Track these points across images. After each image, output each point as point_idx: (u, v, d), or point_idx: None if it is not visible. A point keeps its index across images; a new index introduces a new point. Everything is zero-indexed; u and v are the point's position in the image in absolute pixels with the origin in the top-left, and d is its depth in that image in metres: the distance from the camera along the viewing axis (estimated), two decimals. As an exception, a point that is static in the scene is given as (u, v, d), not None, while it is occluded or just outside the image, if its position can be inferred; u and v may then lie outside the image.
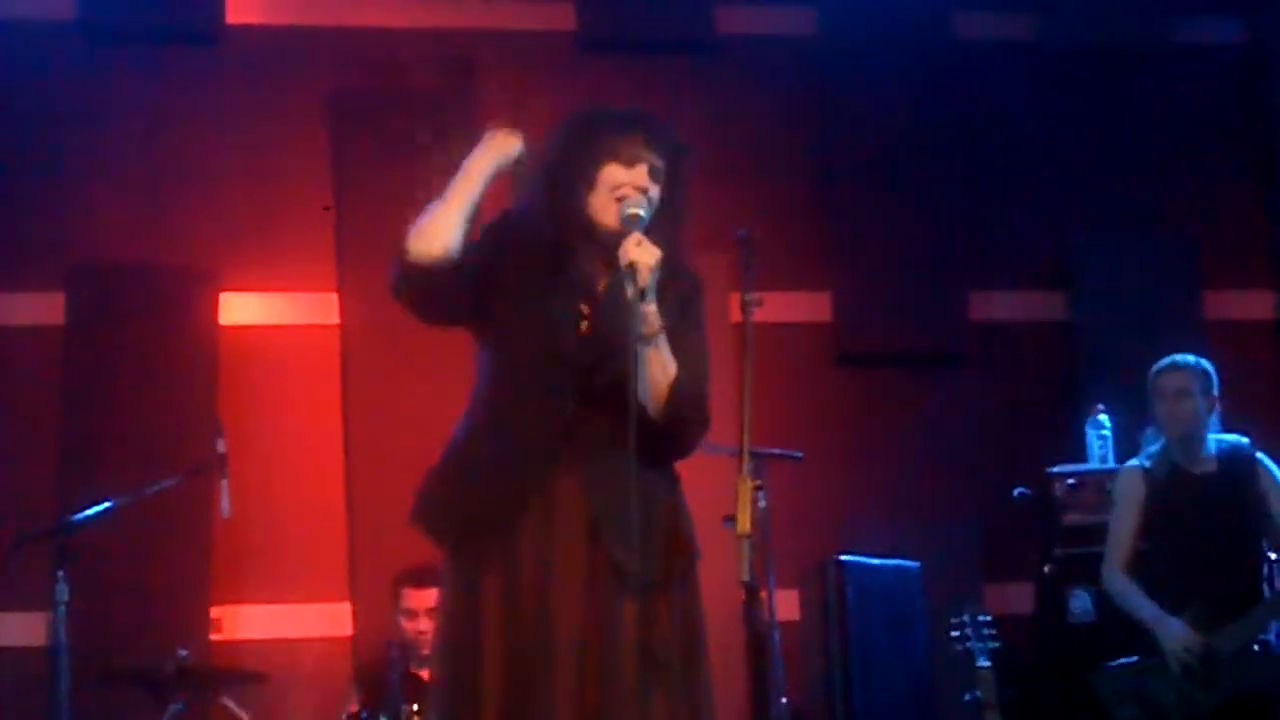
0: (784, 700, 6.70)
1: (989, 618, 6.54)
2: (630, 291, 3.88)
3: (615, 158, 4.04)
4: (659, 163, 4.07)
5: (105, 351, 7.79)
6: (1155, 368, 6.78)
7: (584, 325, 4.03)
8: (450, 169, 4.13)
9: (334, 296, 8.08)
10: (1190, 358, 6.74)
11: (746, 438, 4.65)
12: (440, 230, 3.98)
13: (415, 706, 6.37)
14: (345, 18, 8.33)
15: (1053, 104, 8.78)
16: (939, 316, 8.53)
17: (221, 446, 6.91)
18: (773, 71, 8.58)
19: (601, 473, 3.91)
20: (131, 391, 7.74)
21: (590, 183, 4.04)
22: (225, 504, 6.81)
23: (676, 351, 3.99)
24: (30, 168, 7.94)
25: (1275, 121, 8.94)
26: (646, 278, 3.87)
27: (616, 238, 3.97)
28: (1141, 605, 6.58)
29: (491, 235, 4.10)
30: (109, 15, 8.07)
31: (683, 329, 4.04)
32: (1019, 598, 7.95)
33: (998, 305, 8.67)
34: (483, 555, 3.94)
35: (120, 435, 7.65)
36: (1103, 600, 6.97)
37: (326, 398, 7.97)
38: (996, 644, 6.50)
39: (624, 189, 4.03)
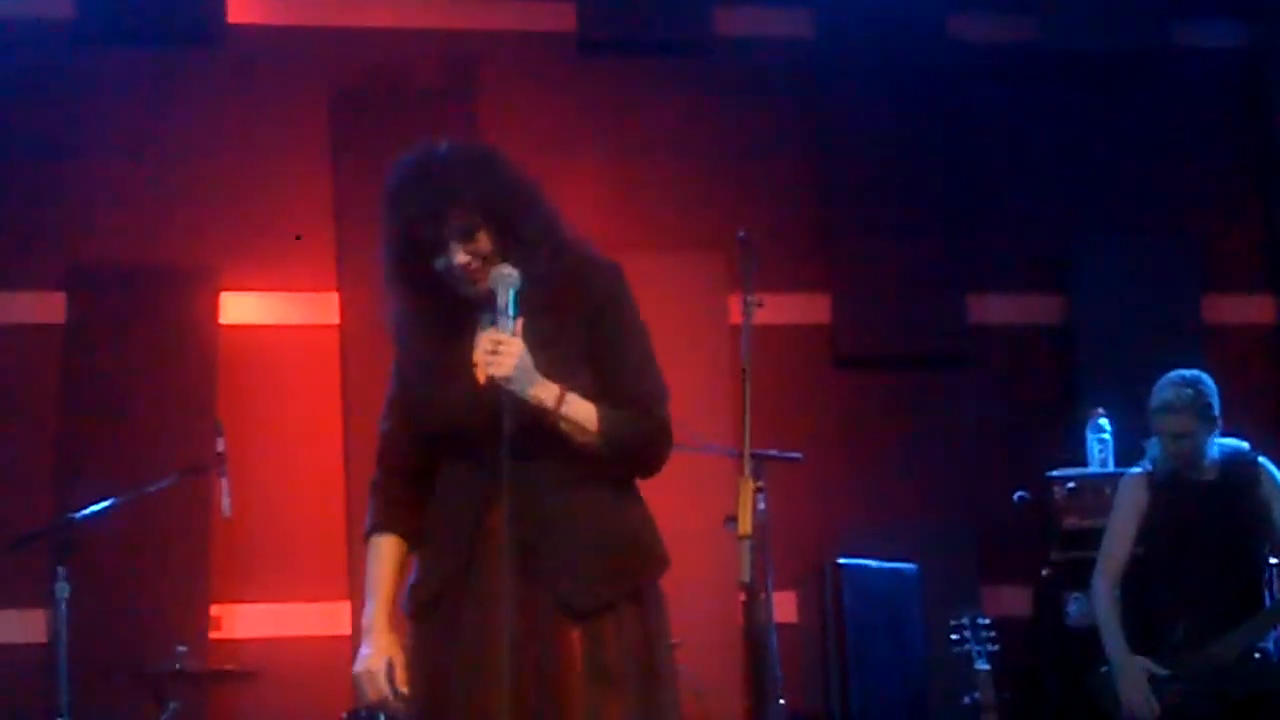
0: (781, 701, 6.68)
1: (988, 620, 6.55)
2: (512, 400, 3.70)
3: (427, 254, 3.77)
4: (465, 215, 3.74)
5: (105, 351, 7.79)
6: (1154, 401, 6.55)
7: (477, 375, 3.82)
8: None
9: (334, 296, 8.08)
10: (1188, 390, 6.48)
11: (748, 440, 4.67)
12: None
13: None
14: (347, 18, 8.33)
15: (1051, 106, 8.77)
16: (938, 319, 8.53)
17: (221, 445, 6.93)
18: (771, 73, 8.59)
19: (526, 504, 3.73)
20: (131, 390, 7.75)
21: (429, 273, 3.79)
22: (225, 503, 6.83)
23: (611, 369, 3.81)
24: (31, 167, 7.94)
25: (1276, 124, 8.93)
26: (516, 385, 3.69)
27: (488, 293, 3.76)
28: (1112, 638, 6.55)
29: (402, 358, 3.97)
30: (108, 14, 8.06)
31: (606, 346, 3.84)
32: (1016, 601, 7.94)
33: (996, 308, 8.66)
34: (437, 624, 3.84)
35: (120, 434, 7.67)
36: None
37: (326, 397, 7.97)
38: (995, 647, 6.51)
39: (451, 274, 3.78)
